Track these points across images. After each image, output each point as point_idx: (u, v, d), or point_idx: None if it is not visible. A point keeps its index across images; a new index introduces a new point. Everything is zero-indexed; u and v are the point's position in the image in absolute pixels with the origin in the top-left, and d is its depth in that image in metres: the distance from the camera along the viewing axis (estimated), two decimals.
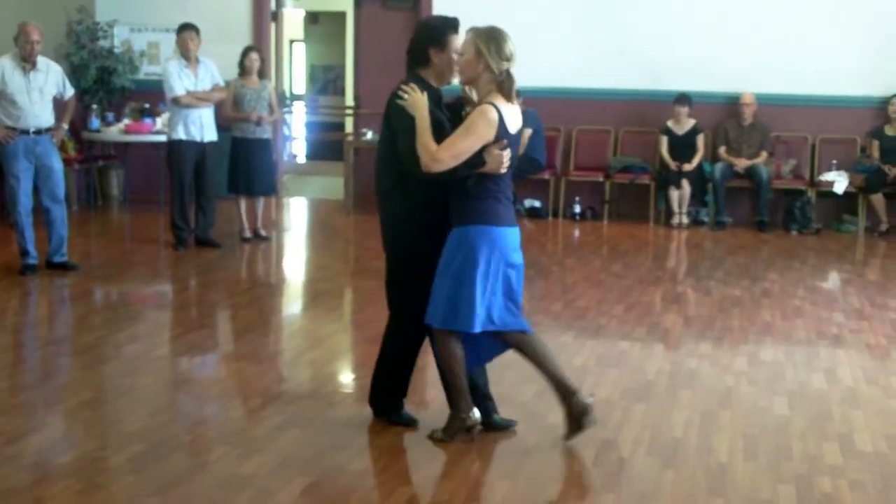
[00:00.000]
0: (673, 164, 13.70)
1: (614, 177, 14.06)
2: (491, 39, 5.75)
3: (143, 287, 10.56)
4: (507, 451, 5.96)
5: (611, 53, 14.13)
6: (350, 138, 14.86)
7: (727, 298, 9.84)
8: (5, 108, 10.08)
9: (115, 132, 14.20)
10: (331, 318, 9.45)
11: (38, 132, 10.16)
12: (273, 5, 15.49)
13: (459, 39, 5.92)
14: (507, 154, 5.73)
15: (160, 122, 13.86)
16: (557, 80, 14.25)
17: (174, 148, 11.47)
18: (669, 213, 13.77)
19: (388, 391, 6.34)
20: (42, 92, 10.17)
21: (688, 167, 13.65)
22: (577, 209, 14.12)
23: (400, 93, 5.73)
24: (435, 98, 5.85)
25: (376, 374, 6.37)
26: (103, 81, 14.79)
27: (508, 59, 5.75)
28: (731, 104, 13.92)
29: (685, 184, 13.59)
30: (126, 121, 14.35)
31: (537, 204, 14.29)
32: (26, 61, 10.06)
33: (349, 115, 15.50)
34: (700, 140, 13.78)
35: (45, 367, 7.83)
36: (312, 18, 22.45)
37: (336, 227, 14.12)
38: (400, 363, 6.30)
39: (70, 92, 10.59)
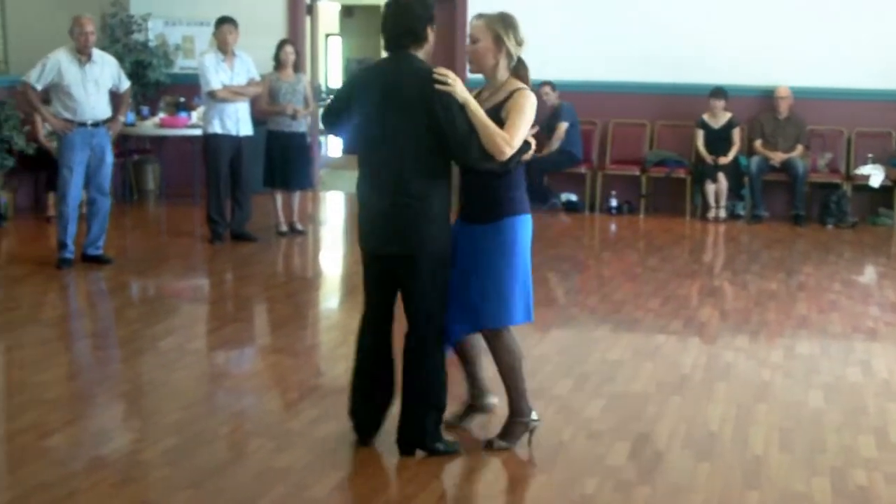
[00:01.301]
0: (709, 158, 13.63)
1: (650, 171, 14.00)
2: (509, 25, 5.63)
3: (179, 281, 10.59)
4: (541, 444, 5.93)
5: (646, 47, 14.05)
6: None
7: (763, 292, 9.79)
8: (62, 101, 10.14)
9: (150, 126, 14.23)
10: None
11: (96, 124, 10.22)
12: None
13: None
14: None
15: (195, 115, 13.88)
16: (593, 74, 14.21)
17: (210, 142, 11.49)
18: (705, 207, 13.70)
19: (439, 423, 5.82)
20: (98, 84, 10.23)
21: (724, 161, 13.58)
22: (614, 203, 14.07)
23: (439, 77, 5.36)
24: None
25: (434, 415, 5.80)
26: (138, 75, 14.81)
27: (521, 44, 5.67)
28: (767, 98, 13.83)
29: (721, 177, 13.52)
30: (161, 115, 14.37)
31: (573, 198, 14.24)
32: (81, 53, 10.12)
33: None
34: (736, 134, 13.71)
35: (81, 360, 7.88)
36: (347, 12, 22.50)
37: None
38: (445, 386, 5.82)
39: (126, 84, 10.65)
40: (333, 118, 5.79)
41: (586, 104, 14.06)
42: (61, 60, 10.07)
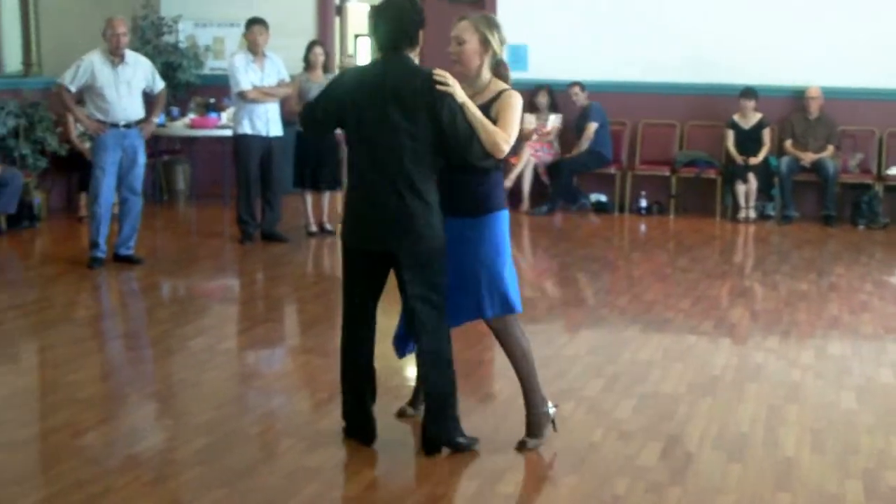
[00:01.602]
0: (739, 158, 13.59)
1: (680, 171, 13.96)
2: (493, 26, 5.77)
3: (210, 281, 10.64)
4: (572, 445, 5.93)
5: (676, 47, 14.03)
6: None
7: (794, 293, 9.76)
8: (95, 102, 10.22)
9: (180, 127, 14.27)
10: (396, 311, 9.35)
11: (128, 125, 10.28)
12: (337, 0, 15.53)
13: None
14: None
15: (225, 116, 13.92)
16: (623, 74, 14.19)
17: (240, 142, 11.53)
18: (736, 208, 13.66)
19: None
20: (130, 85, 10.29)
21: (754, 161, 13.54)
22: (643, 203, 14.05)
23: (439, 79, 5.46)
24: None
25: (453, 409, 5.84)
26: (168, 77, 14.80)
27: (504, 44, 5.82)
28: (798, 98, 13.79)
29: (751, 178, 13.48)
30: (191, 115, 14.41)
31: (603, 198, 14.22)
32: (114, 55, 10.18)
33: None
34: (766, 134, 13.66)
35: (113, 360, 7.92)
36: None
37: None
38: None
39: (160, 86, 10.71)
40: (320, 119, 5.83)
41: (616, 104, 14.05)
42: (94, 62, 10.13)
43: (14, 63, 13.53)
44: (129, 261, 10.43)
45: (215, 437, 5.96)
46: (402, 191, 5.50)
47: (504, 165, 5.94)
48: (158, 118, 10.86)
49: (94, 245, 10.34)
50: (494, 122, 5.59)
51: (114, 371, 7.60)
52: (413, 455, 5.78)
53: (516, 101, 5.68)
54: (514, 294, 5.81)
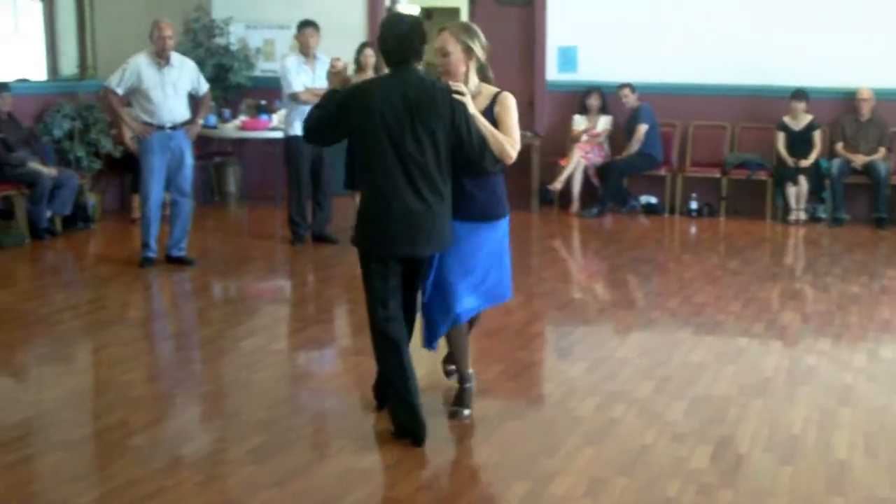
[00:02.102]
0: (790, 161, 13.50)
1: (731, 173, 13.89)
2: (474, 35, 6.11)
3: (261, 282, 10.70)
4: (624, 447, 5.95)
5: (727, 49, 13.96)
6: None
7: (845, 295, 9.70)
8: (141, 104, 10.31)
9: (231, 129, 14.35)
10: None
11: (174, 127, 10.37)
12: (388, 1, 15.58)
13: None
14: None
15: (276, 118, 13.99)
16: (673, 76, 14.14)
17: (292, 144, 11.56)
18: (786, 210, 13.58)
19: None
20: (176, 87, 10.38)
21: (805, 163, 13.45)
22: (694, 205, 13.98)
23: (456, 89, 5.81)
24: None
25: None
26: (219, 78, 14.95)
27: (486, 50, 6.14)
28: (849, 100, 13.69)
29: (802, 180, 13.40)
30: (242, 117, 14.48)
31: (653, 200, 14.17)
32: (160, 57, 10.27)
33: None
34: (817, 136, 13.57)
35: (166, 360, 8.00)
36: (426, 15, 22.55)
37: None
38: None
39: (205, 87, 10.80)
40: (326, 130, 6.06)
41: (666, 106, 14.00)
42: (141, 65, 10.23)
43: (70, 66, 13.67)
44: (181, 262, 10.51)
45: (267, 437, 6.01)
46: (427, 197, 5.78)
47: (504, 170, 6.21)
48: (203, 119, 10.90)
49: (146, 245, 10.45)
50: (496, 124, 5.98)
51: (166, 371, 7.67)
52: (464, 457, 5.81)
53: (512, 102, 6.07)
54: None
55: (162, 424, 6.40)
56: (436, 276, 6.08)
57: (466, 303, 6.16)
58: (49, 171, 11.63)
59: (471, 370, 6.48)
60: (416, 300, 6.17)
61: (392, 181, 5.76)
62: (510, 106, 6.04)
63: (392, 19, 6.07)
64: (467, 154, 5.82)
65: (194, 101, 10.70)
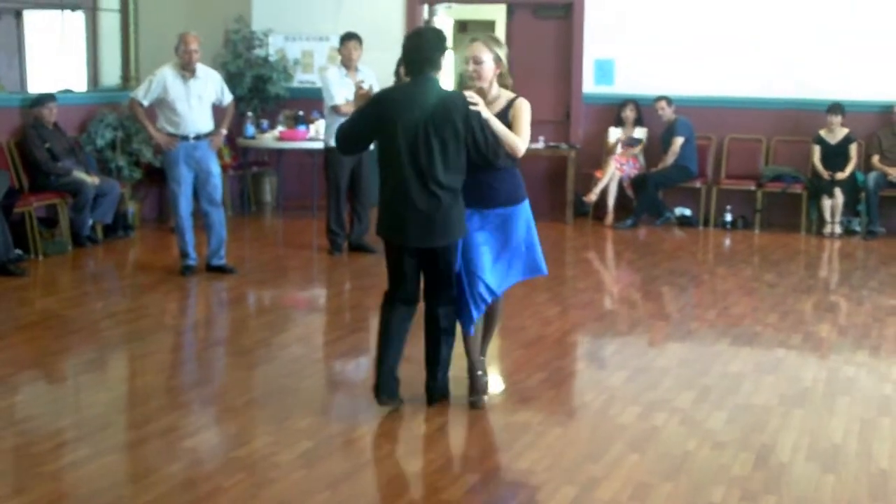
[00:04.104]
0: (825, 174, 13.53)
1: (766, 186, 13.93)
2: (501, 44, 6.81)
3: (300, 291, 10.81)
4: (667, 454, 6.02)
5: (763, 62, 14.02)
6: None
7: (881, 308, 9.73)
8: (167, 116, 10.43)
9: (269, 139, 14.46)
10: None
11: (198, 137, 10.47)
12: (425, 13, 15.69)
13: None
14: None
15: (314, 129, 14.10)
16: (709, 89, 14.21)
17: (332, 155, 11.63)
18: (821, 223, 13.60)
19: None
20: (201, 98, 10.50)
21: (840, 176, 13.48)
22: (729, 218, 14.03)
23: (471, 100, 6.40)
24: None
25: (444, 360, 6.80)
26: (258, 89, 15.11)
27: (507, 59, 6.79)
28: (885, 113, 13.72)
29: (838, 193, 13.42)
30: (280, 128, 14.60)
31: (688, 212, 14.22)
32: (186, 69, 10.39)
33: None
34: (853, 149, 13.59)
35: (212, 366, 8.11)
36: (461, 27, 22.64)
37: None
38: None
39: (229, 98, 10.92)
40: (352, 137, 6.72)
41: (702, 119, 14.06)
42: (167, 76, 10.37)
43: (112, 77, 13.84)
44: (222, 270, 10.63)
45: (316, 441, 6.11)
46: (438, 195, 6.37)
47: (519, 163, 6.80)
48: (227, 129, 10.99)
49: (185, 255, 10.61)
50: (509, 125, 6.58)
51: (212, 378, 7.78)
52: (511, 462, 5.89)
53: (525, 107, 6.69)
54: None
55: (212, 428, 6.51)
56: (466, 260, 6.66)
57: (497, 279, 6.74)
58: (92, 180, 11.77)
59: (482, 358, 6.96)
60: (445, 282, 6.62)
61: (406, 183, 6.39)
62: (523, 109, 6.65)
63: (413, 31, 6.83)
64: (483, 155, 6.44)
65: (218, 111, 10.82)
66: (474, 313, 6.66)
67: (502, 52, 6.70)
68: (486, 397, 6.77)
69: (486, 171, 6.57)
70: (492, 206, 6.69)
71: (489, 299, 6.69)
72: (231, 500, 5.33)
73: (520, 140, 6.58)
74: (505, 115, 6.61)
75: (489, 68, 6.63)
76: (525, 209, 6.83)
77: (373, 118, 6.53)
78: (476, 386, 6.77)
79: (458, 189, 6.45)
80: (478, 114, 6.40)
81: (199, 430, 6.43)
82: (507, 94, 6.71)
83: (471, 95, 6.44)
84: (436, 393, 6.76)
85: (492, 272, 6.68)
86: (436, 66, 6.48)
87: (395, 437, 6.23)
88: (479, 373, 6.80)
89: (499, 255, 6.73)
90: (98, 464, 5.79)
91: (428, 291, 6.69)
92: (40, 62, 15.22)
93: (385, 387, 6.61)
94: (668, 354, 8.22)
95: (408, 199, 6.39)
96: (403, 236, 6.50)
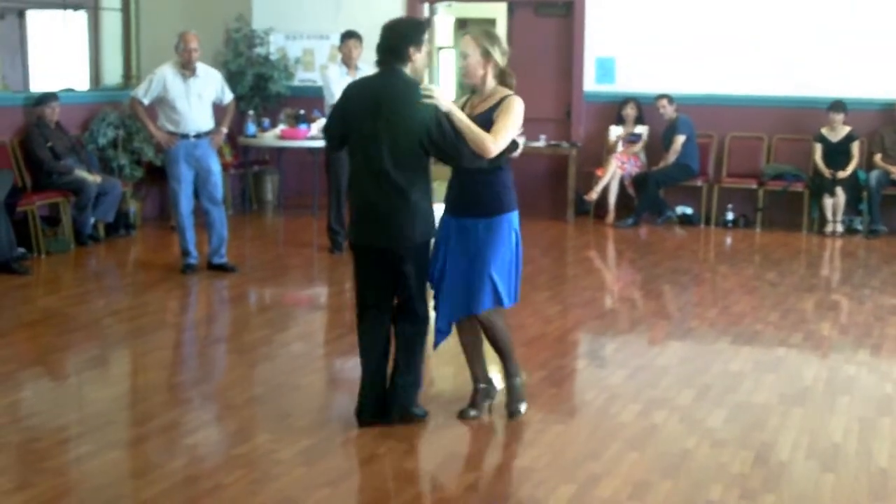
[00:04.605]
0: (827, 172, 13.53)
1: (767, 184, 13.93)
2: (494, 39, 6.29)
3: (301, 289, 10.82)
4: (666, 452, 6.03)
5: (764, 60, 14.03)
6: None
7: (883, 307, 9.73)
8: (167, 114, 10.46)
9: (270, 138, 14.45)
10: None
11: (198, 136, 10.50)
12: (426, 11, 15.70)
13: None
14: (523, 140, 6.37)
15: (315, 128, 14.09)
16: (710, 87, 14.21)
17: (332, 153, 11.66)
18: (823, 222, 13.59)
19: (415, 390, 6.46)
20: (201, 97, 10.53)
21: (842, 175, 13.47)
22: (730, 216, 14.03)
23: (425, 92, 5.98)
24: None
25: (410, 379, 6.39)
26: (259, 88, 15.12)
27: (506, 55, 6.32)
28: (888, 111, 13.72)
29: (839, 192, 13.42)
30: (281, 126, 14.60)
31: (689, 211, 14.23)
32: (185, 68, 10.42)
33: None
34: (855, 147, 13.59)
35: (214, 364, 8.14)
36: (461, 25, 22.65)
37: None
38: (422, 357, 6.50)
39: (229, 97, 10.95)
40: (334, 132, 6.48)
41: (703, 117, 14.06)
42: (167, 75, 10.40)
43: (114, 76, 13.85)
44: (223, 269, 10.65)
45: (317, 438, 6.13)
46: (387, 191, 6.09)
47: (509, 167, 6.36)
48: (227, 128, 11.01)
49: (186, 253, 10.64)
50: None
51: (215, 374, 7.81)
52: (510, 460, 5.91)
53: (515, 104, 6.18)
54: (507, 289, 6.33)
55: (215, 425, 6.54)
56: (439, 270, 6.34)
57: (449, 307, 6.36)
58: (94, 179, 11.79)
59: (485, 373, 6.66)
60: (407, 293, 6.28)
61: (358, 175, 6.25)
62: (509, 107, 6.17)
63: (387, 21, 6.34)
64: (442, 151, 6.07)
65: (218, 110, 10.85)
66: (442, 331, 6.44)
67: (495, 48, 6.23)
68: (474, 412, 6.50)
69: (467, 173, 6.23)
70: (463, 214, 6.32)
71: (444, 329, 6.43)
72: (231, 496, 5.35)
73: (489, 138, 6.02)
74: (492, 113, 6.19)
75: (475, 63, 6.22)
76: (505, 222, 6.30)
77: (338, 111, 6.38)
78: (473, 398, 6.56)
79: (414, 188, 6.11)
80: (434, 107, 5.99)
81: (201, 425, 6.46)
82: (502, 92, 6.27)
83: (426, 87, 6.03)
84: (393, 405, 6.36)
85: (447, 296, 6.33)
86: (401, 57, 6.15)
87: (395, 434, 6.22)
88: (482, 385, 6.58)
89: (459, 278, 6.29)
90: (100, 460, 5.82)
91: (397, 301, 6.39)
92: (43, 61, 15.24)
93: (364, 406, 6.33)
94: (668, 353, 8.23)
95: (361, 196, 6.24)
96: (354, 234, 6.38)
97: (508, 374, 6.55)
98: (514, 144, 6.17)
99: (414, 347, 6.36)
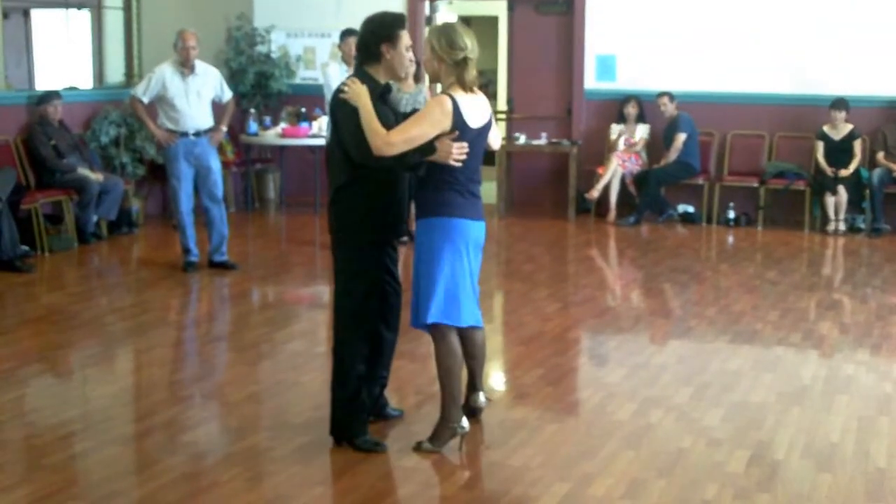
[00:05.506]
0: (829, 170, 13.52)
1: (769, 182, 13.93)
2: (441, 34, 5.85)
3: (302, 287, 10.85)
4: (662, 450, 6.05)
5: (765, 58, 14.02)
6: (503, 142, 14.98)
7: (885, 306, 9.73)
8: (166, 112, 10.50)
9: (272, 136, 14.47)
10: (483, 319, 9.52)
11: (198, 134, 10.54)
12: (427, 10, 15.71)
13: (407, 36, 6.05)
14: (458, 146, 5.76)
15: (316, 125, 14.11)
16: (711, 85, 14.21)
17: None
18: (825, 220, 13.58)
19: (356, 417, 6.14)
20: (200, 95, 10.57)
21: (844, 173, 13.46)
22: (731, 215, 14.02)
23: (342, 87, 5.78)
24: (380, 93, 5.89)
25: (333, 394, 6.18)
26: (261, 86, 15.14)
27: (463, 50, 5.80)
28: (890, 108, 13.70)
29: (841, 190, 13.41)
30: (283, 125, 14.61)
31: (690, 209, 14.23)
32: (184, 66, 10.46)
33: (501, 119, 15.62)
34: (857, 145, 13.58)
35: (213, 361, 8.17)
36: (464, 23, 22.68)
37: (488, 230, 14.15)
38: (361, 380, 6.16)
39: (228, 95, 10.98)
40: None
41: (704, 115, 14.05)
42: (166, 73, 10.44)
43: (116, 74, 13.88)
44: (224, 266, 10.68)
45: (313, 436, 6.15)
46: (332, 193, 6.02)
47: (445, 172, 5.83)
48: (227, 126, 11.03)
49: (187, 250, 10.68)
50: None
51: (213, 372, 7.84)
52: (505, 458, 5.92)
53: (430, 105, 5.82)
54: (427, 303, 5.94)
55: (212, 423, 6.58)
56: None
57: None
58: (96, 177, 11.83)
59: (476, 391, 6.48)
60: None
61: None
62: (426, 106, 5.96)
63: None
64: (348, 148, 5.78)
65: (218, 108, 10.88)
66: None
67: (440, 44, 5.79)
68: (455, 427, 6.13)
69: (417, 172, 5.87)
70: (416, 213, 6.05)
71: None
72: (227, 493, 5.39)
73: (381, 136, 5.59)
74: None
75: (427, 59, 5.86)
76: (426, 229, 5.95)
77: None
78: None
79: (341, 186, 5.93)
80: (343, 103, 5.74)
81: (199, 423, 6.52)
82: (445, 92, 5.85)
83: (349, 82, 5.76)
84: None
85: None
86: (372, 55, 5.91)
87: (391, 432, 6.24)
88: (477, 396, 6.48)
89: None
90: (101, 455, 5.88)
91: None
92: (47, 60, 15.29)
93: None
94: (667, 351, 8.25)
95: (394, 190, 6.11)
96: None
97: (442, 406, 6.03)
98: (429, 147, 5.71)
99: (339, 365, 6.20)
